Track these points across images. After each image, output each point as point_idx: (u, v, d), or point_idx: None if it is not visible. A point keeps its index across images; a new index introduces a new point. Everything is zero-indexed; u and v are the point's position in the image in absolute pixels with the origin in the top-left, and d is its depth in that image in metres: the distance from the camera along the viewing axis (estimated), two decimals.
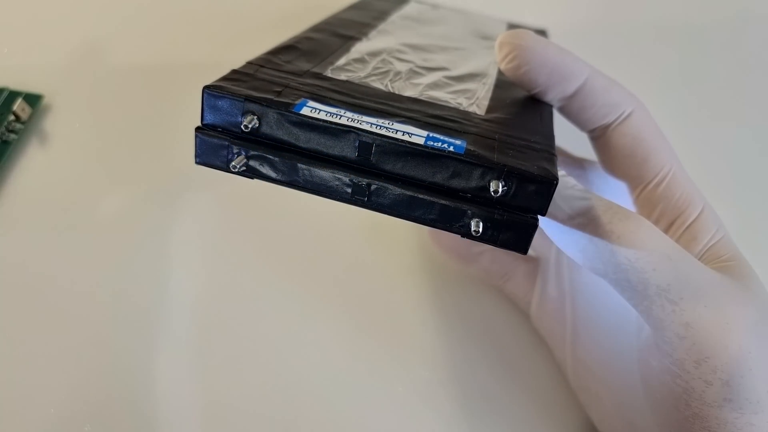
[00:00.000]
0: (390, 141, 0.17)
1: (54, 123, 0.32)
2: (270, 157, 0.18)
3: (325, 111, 0.17)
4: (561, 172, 0.20)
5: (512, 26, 0.32)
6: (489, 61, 0.25)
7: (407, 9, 0.32)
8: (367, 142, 0.17)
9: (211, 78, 0.19)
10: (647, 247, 0.18)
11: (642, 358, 0.21)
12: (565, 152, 0.26)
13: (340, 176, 0.18)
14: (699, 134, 0.34)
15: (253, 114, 0.17)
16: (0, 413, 0.23)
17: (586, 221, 0.18)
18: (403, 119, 0.18)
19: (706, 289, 0.18)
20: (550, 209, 0.18)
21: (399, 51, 0.24)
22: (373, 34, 0.26)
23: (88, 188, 0.30)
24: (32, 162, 0.30)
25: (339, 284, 0.28)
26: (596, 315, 0.24)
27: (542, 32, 0.33)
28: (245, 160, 0.18)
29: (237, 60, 0.21)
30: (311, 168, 0.18)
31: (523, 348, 0.27)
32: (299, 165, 0.18)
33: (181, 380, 0.25)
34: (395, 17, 0.29)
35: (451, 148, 0.17)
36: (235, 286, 0.28)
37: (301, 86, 0.19)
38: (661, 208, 0.21)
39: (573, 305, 0.25)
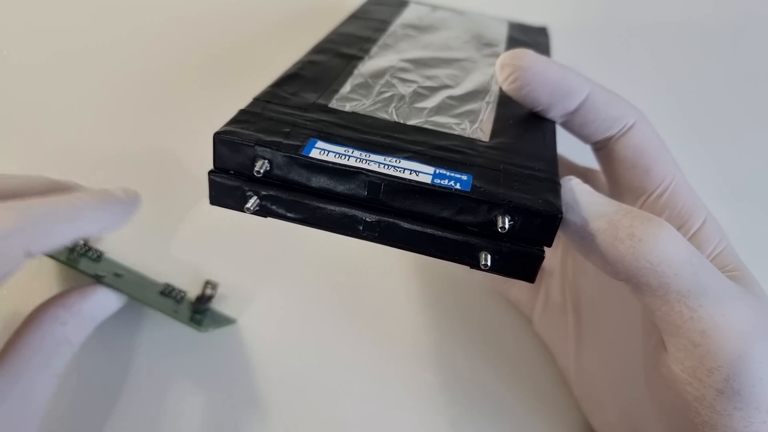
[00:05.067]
0: (398, 180, 0.17)
1: None
2: (282, 197, 0.18)
3: (333, 152, 0.18)
4: (577, 180, 0.20)
5: (513, 25, 0.32)
6: (491, 74, 0.25)
7: (407, 14, 0.32)
8: (375, 182, 0.18)
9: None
10: (669, 250, 0.18)
11: (649, 365, 0.21)
12: (569, 162, 0.27)
13: (350, 214, 0.18)
14: (699, 133, 0.34)
15: (264, 158, 0.18)
16: None
17: (606, 225, 0.18)
18: (410, 154, 0.19)
19: (724, 298, 0.18)
20: (569, 216, 0.18)
21: (401, 69, 0.24)
22: (374, 50, 0.26)
23: None
24: None
25: (342, 288, 0.29)
26: (600, 322, 0.25)
27: (543, 30, 0.33)
28: (258, 201, 0.18)
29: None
30: (323, 206, 0.18)
31: (526, 353, 0.28)
32: (311, 204, 0.18)
33: (184, 380, 0.26)
34: (396, 26, 0.29)
35: (458, 186, 0.17)
36: (234, 288, 0.28)
37: (308, 123, 0.19)
38: (665, 219, 0.22)
39: (577, 312, 0.25)
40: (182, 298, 0.27)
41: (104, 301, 0.25)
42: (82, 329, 0.24)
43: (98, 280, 0.25)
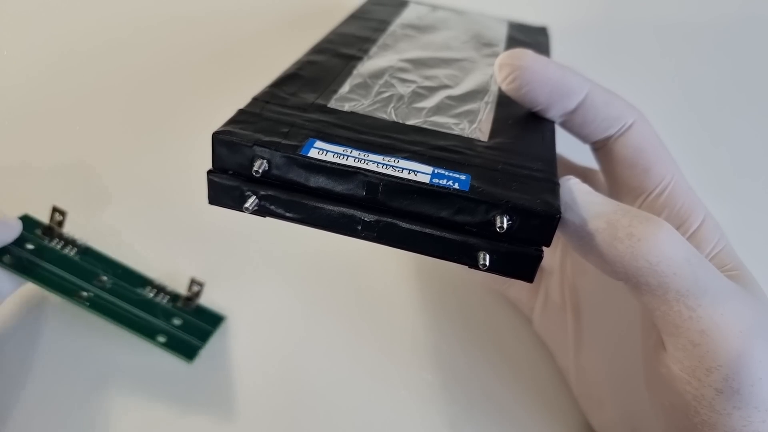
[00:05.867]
0: (396, 180, 0.17)
1: None
2: (281, 197, 0.18)
3: (332, 152, 0.18)
4: (576, 179, 0.20)
5: (513, 25, 0.32)
6: (490, 74, 0.25)
7: (406, 14, 0.32)
8: (374, 182, 0.18)
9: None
10: (668, 250, 0.18)
11: (648, 364, 0.21)
12: (568, 162, 0.27)
13: (349, 213, 0.18)
14: (698, 132, 0.35)
15: (262, 158, 0.18)
16: None
17: (605, 225, 0.18)
18: (409, 154, 0.19)
19: (724, 297, 0.18)
20: (568, 215, 0.18)
21: (400, 69, 0.24)
22: (374, 50, 0.26)
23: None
24: None
25: (342, 287, 0.29)
26: (600, 322, 0.25)
27: (543, 30, 0.33)
28: (257, 201, 0.18)
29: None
30: (321, 206, 0.18)
31: (526, 353, 0.28)
32: (310, 203, 0.18)
33: (185, 377, 0.26)
34: (395, 26, 0.29)
35: (456, 185, 0.17)
36: (235, 288, 0.28)
37: (307, 123, 0.19)
38: (664, 218, 0.22)
39: (576, 312, 0.25)
40: (173, 299, 0.26)
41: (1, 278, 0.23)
42: None
43: (79, 302, 0.24)
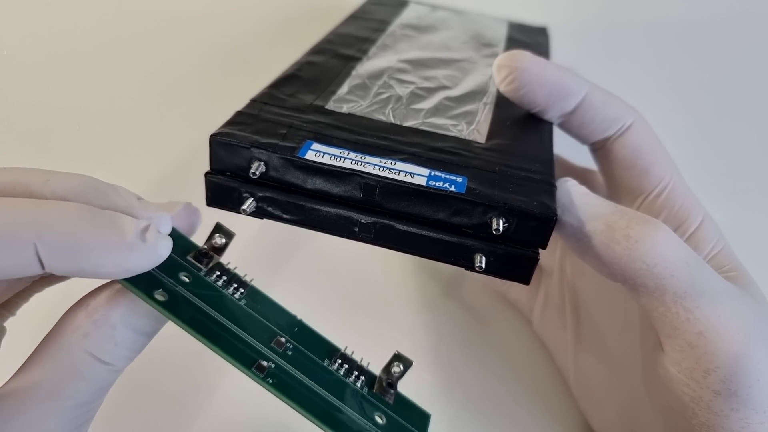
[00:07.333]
0: (393, 182, 0.17)
1: None
2: (278, 198, 0.18)
3: (329, 154, 0.18)
4: (573, 181, 0.20)
5: (513, 25, 0.32)
6: (489, 74, 0.25)
7: (406, 14, 0.32)
8: (371, 184, 0.18)
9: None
10: (666, 252, 0.18)
11: (647, 366, 0.21)
12: (566, 163, 0.27)
13: (346, 215, 0.18)
14: (697, 133, 0.34)
15: (260, 160, 0.18)
16: None
17: (603, 227, 0.18)
18: (406, 156, 0.19)
19: (721, 298, 0.18)
20: (565, 217, 0.18)
21: (399, 70, 0.25)
22: (373, 50, 0.26)
23: None
24: None
25: (341, 287, 0.29)
26: (599, 323, 0.25)
27: (543, 30, 0.33)
28: (254, 202, 0.19)
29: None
30: (318, 208, 0.18)
31: (525, 353, 0.27)
32: (307, 205, 0.18)
33: (187, 374, 0.26)
34: (395, 26, 0.29)
35: (453, 188, 0.17)
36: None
37: (304, 125, 0.20)
38: (662, 219, 0.22)
39: (575, 313, 0.25)
40: (368, 380, 0.18)
41: (142, 310, 0.16)
42: (115, 344, 0.16)
43: (257, 377, 0.16)
